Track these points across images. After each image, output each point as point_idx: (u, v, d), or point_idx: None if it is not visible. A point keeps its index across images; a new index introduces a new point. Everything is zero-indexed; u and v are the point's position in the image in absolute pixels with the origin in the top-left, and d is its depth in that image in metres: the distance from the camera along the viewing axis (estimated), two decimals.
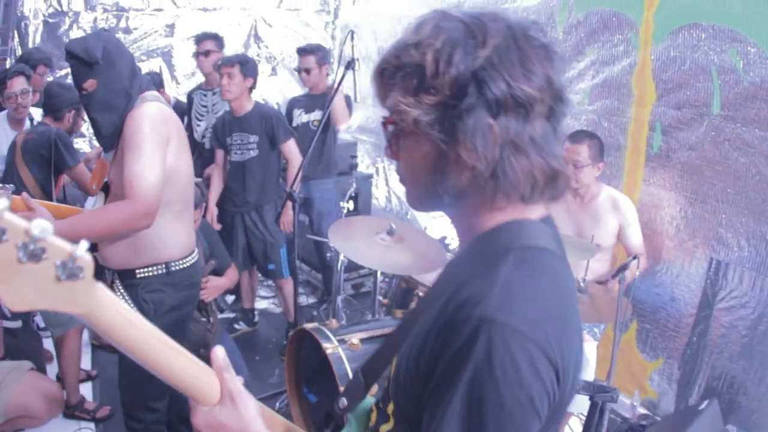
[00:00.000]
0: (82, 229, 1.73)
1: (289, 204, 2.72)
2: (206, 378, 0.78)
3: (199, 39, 3.72)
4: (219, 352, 0.80)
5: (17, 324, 2.88)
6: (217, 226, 3.32)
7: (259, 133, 3.15)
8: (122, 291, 1.95)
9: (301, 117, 3.59)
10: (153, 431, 2.14)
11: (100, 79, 1.85)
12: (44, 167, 2.60)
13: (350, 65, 2.38)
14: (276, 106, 4.56)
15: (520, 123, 0.71)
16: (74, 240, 1.88)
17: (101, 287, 0.65)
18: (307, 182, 3.48)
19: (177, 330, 2.08)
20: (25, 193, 1.80)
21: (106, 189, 2.01)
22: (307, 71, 3.50)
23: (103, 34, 1.98)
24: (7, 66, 3.66)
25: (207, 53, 3.63)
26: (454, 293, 0.70)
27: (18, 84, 2.89)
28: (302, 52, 3.53)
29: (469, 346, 0.64)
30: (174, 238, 1.96)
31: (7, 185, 1.86)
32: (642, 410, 2.86)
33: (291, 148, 3.17)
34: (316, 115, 3.53)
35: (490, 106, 0.70)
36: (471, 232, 0.78)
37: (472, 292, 0.67)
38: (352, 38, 2.38)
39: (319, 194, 3.55)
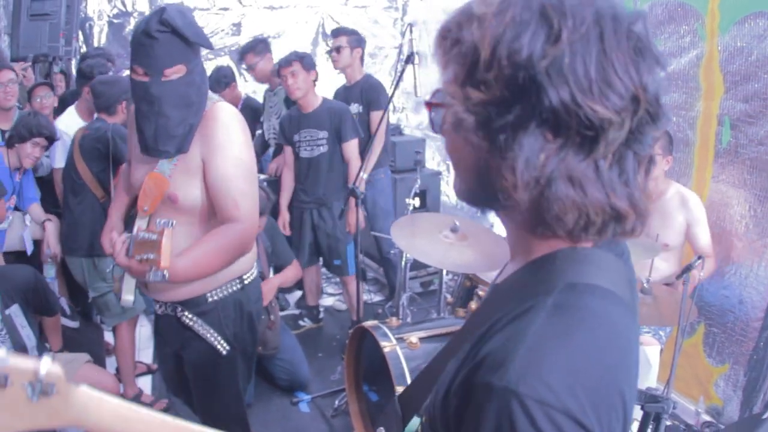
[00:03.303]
0: (204, 266, 1.53)
1: (353, 203, 2.69)
2: None
3: (240, 56, 3.72)
4: None
5: (75, 324, 2.95)
6: (287, 232, 3.30)
7: (328, 129, 3.12)
8: (194, 319, 1.73)
9: None
10: None
11: (189, 66, 1.53)
12: (101, 161, 2.65)
13: (410, 59, 2.34)
14: None
15: (584, 152, 0.57)
16: (197, 278, 1.66)
17: (83, 392, 0.64)
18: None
19: (254, 342, 1.91)
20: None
21: None
22: (337, 50, 3.41)
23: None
24: (72, 66, 3.77)
25: (252, 67, 3.63)
26: (483, 336, 0.60)
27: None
28: (335, 32, 3.52)
29: (489, 418, 0.54)
30: None
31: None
32: (706, 417, 2.75)
33: (352, 149, 3.14)
34: (353, 108, 3.45)
35: (546, 123, 0.56)
36: (521, 254, 0.68)
37: (494, 351, 0.57)
38: (411, 32, 2.34)
39: (371, 185, 3.50)
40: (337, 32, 3.53)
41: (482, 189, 0.63)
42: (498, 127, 0.57)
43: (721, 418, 2.74)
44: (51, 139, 2.82)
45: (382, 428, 0.84)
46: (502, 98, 0.57)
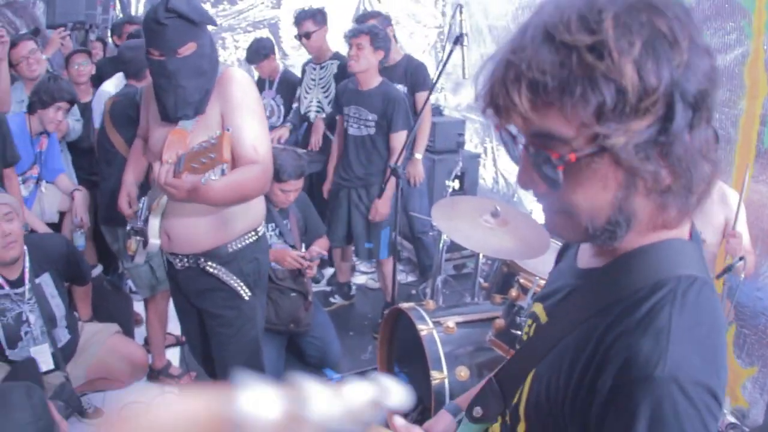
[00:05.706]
0: (233, 192, 1.72)
1: (391, 186, 2.67)
2: None
3: (298, 21, 3.57)
4: (397, 421, 0.87)
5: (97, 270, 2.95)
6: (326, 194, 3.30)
7: (379, 114, 3.03)
8: (218, 268, 1.88)
9: None
10: None
11: (199, 42, 1.71)
12: (133, 127, 2.58)
13: (458, 40, 2.32)
14: None
15: (705, 127, 0.63)
16: (225, 203, 1.85)
17: None
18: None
19: (264, 297, 2.07)
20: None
21: None
22: (307, 36, 3.43)
23: None
24: (109, 34, 3.76)
25: (308, 35, 3.51)
26: (610, 324, 0.68)
27: None
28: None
29: (649, 405, 0.62)
30: (259, 202, 1.94)
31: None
32: (731, 419, 2.74)
33: (400, 140, 2.95)
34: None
35: (689, 118, 0.61)
36: (612, 249, 0.72)
37: (645, 349, 0.64)
38: (461, 12, 2.32)
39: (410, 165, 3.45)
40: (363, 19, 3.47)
41: (621, 212, 0.66)
42: (660, 140, 0.61)
43: (746, 420, 2.72)
44: (72, 102, 2.86)
45: (478, 408, 0.86)
46: (662, 116, 0.60)
